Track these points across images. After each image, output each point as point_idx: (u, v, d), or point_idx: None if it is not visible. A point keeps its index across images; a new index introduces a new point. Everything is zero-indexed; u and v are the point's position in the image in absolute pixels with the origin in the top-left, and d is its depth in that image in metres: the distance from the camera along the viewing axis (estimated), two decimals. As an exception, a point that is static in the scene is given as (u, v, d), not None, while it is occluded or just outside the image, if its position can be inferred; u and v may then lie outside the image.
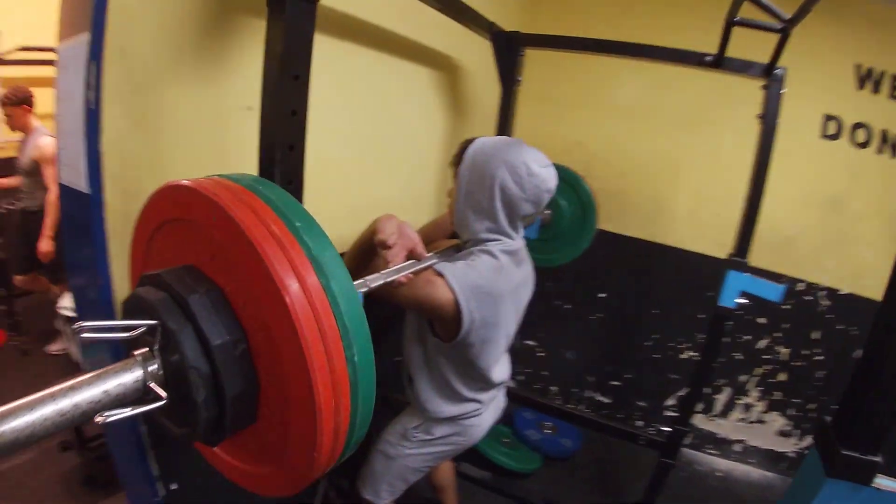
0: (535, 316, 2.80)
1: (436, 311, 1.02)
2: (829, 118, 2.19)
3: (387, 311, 1.19)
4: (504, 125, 1.68)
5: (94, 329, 0.47)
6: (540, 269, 2.22)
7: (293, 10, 0.72)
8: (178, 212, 0.52)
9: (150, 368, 0.47)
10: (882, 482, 0.66)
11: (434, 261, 1.01)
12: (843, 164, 2.21)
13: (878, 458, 0.67)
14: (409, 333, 1.25)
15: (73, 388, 0.44)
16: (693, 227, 2.39)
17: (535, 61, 2.33)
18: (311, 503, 1.66)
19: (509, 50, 1.59)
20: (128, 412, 0.45)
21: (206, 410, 0.47)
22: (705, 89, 2.20)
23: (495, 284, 1.06)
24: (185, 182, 0.50)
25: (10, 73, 2.96)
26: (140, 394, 0.47)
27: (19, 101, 2.57)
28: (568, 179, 1.84)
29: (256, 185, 0.50)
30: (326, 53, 1.27)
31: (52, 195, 2.61)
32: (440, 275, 0.99)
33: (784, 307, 2.34)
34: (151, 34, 0.86)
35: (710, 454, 2.70)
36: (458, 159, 1.13)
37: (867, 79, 2.14)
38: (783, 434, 2.52)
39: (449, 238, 1.36)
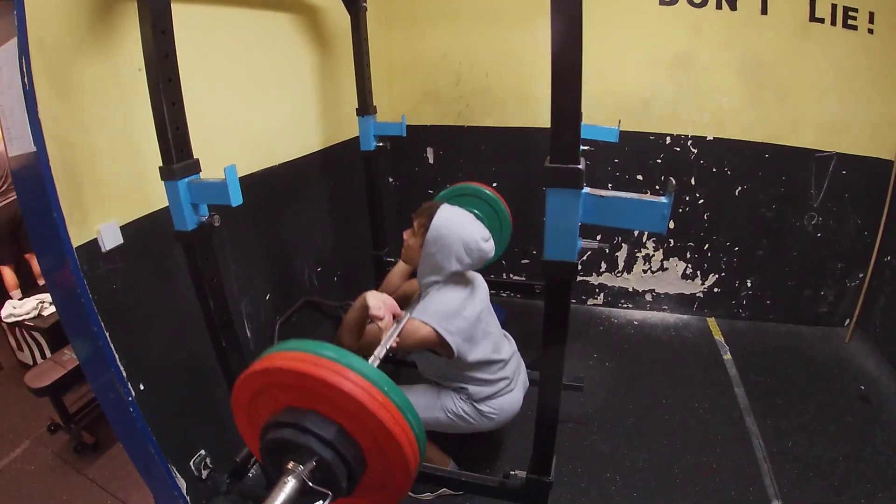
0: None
1: (428, 344, 1.68)
2: (663, -16, 2.75)
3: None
4: (359, 48, 2.24)
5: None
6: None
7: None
8: (297, 382, 0.88)
9: (301, 476, 0.87)
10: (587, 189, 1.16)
11: (409, 314, 1.64)
12: (685, 23, 2.79)
13: (580, 166, 1.13)
14: (423, 367, 1.94)
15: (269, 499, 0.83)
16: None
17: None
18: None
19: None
20: None
21: (345, 484, 0.89)
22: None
23: (451, 303, 1.72)
24: (309, 370, 0.86)
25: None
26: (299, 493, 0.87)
27: None
28: (486, 199, 2.41)
29: (379, 382, 0.88)
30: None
31: None
32: (416, 319, 1.64)
33: (657, 161, 3.03)
34: (59, 27, 1.36)
35: (625, 308, 3.43)
36: (425, 221, 1.76)
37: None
38: (686, 277, 3.27)
39: (404, 277, 2.16)
